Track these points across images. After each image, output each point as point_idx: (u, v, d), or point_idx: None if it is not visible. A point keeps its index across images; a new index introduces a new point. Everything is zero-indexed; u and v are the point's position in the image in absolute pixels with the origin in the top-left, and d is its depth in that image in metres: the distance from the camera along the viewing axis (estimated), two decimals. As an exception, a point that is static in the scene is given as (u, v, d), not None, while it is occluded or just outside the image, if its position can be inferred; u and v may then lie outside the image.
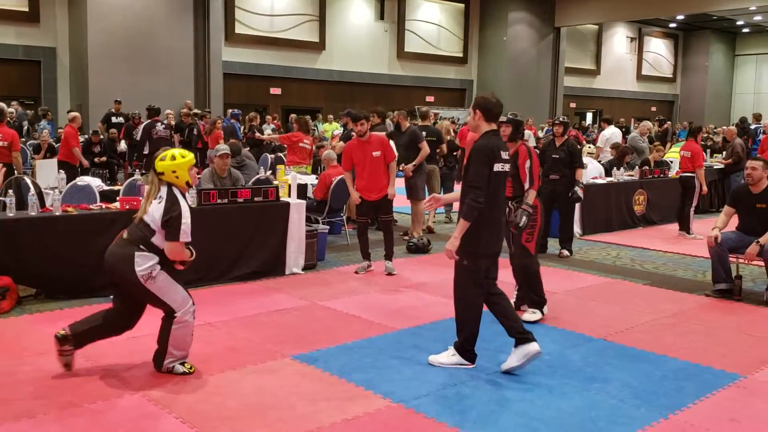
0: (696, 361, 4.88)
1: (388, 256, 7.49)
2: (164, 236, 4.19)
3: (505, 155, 4.52)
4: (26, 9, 17.86)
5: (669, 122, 20.62)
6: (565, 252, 8.46)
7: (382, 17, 24.51)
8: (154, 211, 4.21)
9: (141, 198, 6.35)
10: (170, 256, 4.21)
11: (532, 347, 4.48)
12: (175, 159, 4.24)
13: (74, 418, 3.76)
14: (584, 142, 16.53)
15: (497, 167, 4.43)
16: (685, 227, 10.07)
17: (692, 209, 10.05)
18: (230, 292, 6.49)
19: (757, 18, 29.62)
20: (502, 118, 5.57)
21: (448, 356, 4.65)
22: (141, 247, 4.19)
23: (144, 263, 4.17)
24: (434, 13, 25.88)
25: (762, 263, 6.47)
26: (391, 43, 24.87)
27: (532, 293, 5.84)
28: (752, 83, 34.53)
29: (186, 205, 4.26)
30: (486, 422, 3.83)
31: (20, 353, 4.70)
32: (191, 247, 4.34)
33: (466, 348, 4.65)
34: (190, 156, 4.31)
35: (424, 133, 9.45)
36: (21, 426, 3.64)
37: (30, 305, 5.75)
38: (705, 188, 10.03)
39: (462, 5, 26.47)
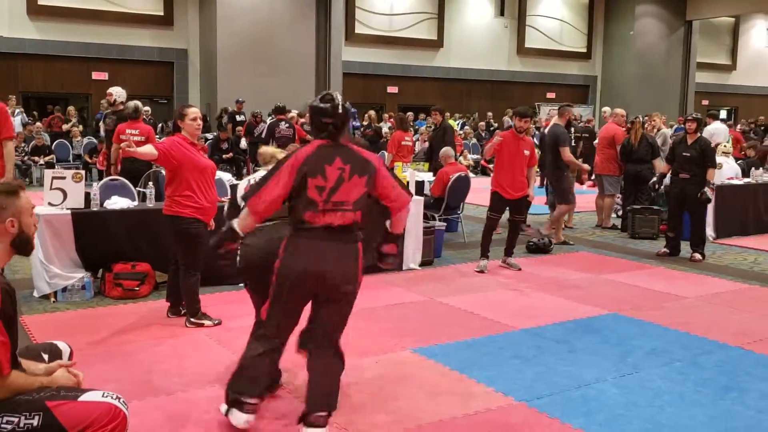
0: None
1: (510, 252, 7.49)
2: None
3: None
4: (161, 13, 19.01)
5: None
6: (697, 255, 8.01)
7: (502, 13, 24.18)
8: None
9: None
10: None
11: None
12: None
13: (208, 396, 3.96)
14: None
15: None
16: None
17: None
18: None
19: None
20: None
21: None
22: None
23: None
24: (556, 8, 25.24)
25: None
26: (510, 39, 24.49)
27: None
28: None
29: None
30: (613, 426, 3.70)
31: (157, 335, 5.00)
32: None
33: None
34: None
35: (572, 129, 10.29)
36: (159, 401, 3.89)
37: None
38: None
39: (586, -1, 25.70)
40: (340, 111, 3.37)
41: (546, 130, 9.71)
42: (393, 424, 3.67)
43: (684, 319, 5.66)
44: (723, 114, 26.00)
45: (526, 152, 7.20)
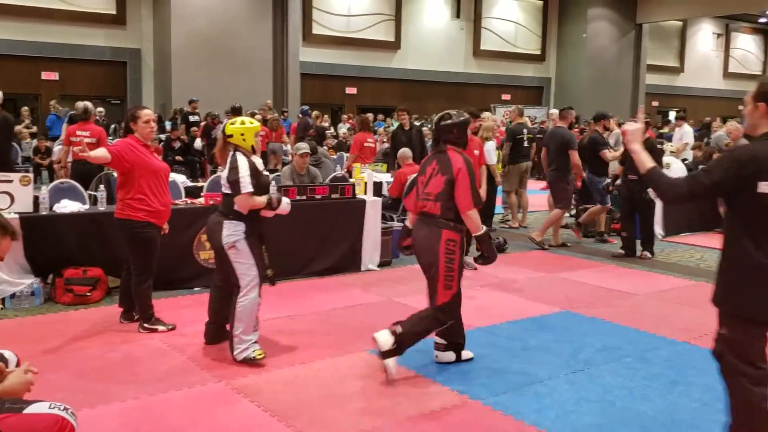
0: (788, 369, 4.66)
1: (466, 251, 7.53)
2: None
3: None
4: (114, 12, 18.66)
5: None
6: (647, 253, 8.22)
7: (458, 15, 24.40)
8: (223, 177, 4.56)
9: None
10: (241, 209, 4.47)
11: None
12: (244, 124, 4.61)
13: (162, 403, 3.92)
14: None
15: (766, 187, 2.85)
16: None
17: None
18: (308, 287, 6.62)
19: None
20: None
21: None
22: (229, 215, 4.49)
23: (229, 231, 4.46)
24: (512, 11, 25.58)
25: None
26: (467, 42, 24.72)
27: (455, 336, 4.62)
28: None
29: (246, 162, 4.50)
30: (564, 421, 3.78)
31: (110, 341, 4.92)
32: (273, 196, 4.64)
33: None
34: (257, 124, 4.68)
35: (525, 130, 10.11)
36: (111, 409, 3.83)
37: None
38: None
39: (540, 2, 26.06)
40: (434, 127, 4.51)
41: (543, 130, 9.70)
42: (350, 425, 3.69)
43: (633, 315, 5.81)
44: (672, 115, 26.63)
45: (476, 152, 7.33)
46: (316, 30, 21.54)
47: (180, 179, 8.27)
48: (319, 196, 7.03)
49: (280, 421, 3.72)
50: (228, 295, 4.62)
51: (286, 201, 4.75)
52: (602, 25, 25.47)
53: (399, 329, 4.23)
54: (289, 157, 11.14)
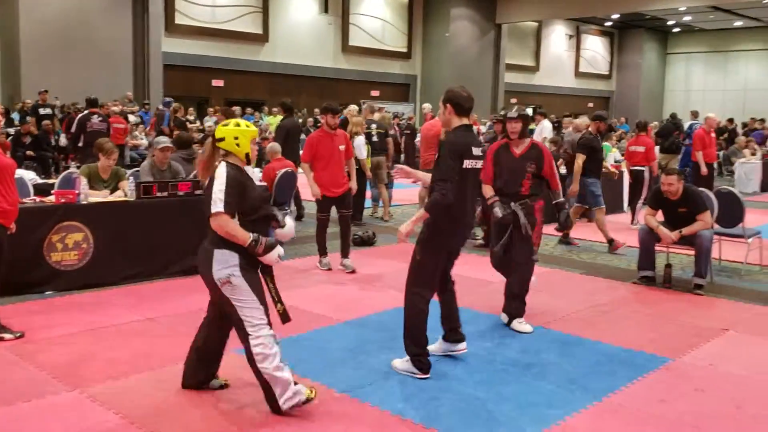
0: (628, 346, 5.07)
1: (346, 253, 7.36)
2: None
3: (477, 151, 4.32)
4: (-48, -4, 17.17)
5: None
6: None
7: (326, 10, 24.41)
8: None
9: (76, 191, 6.23)
10: (220, 234, 3.63)
11: (460, 347, 4.69)
12: (240, 126, 3.81)
13: (8, 416, 3.67)
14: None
15: (468, 164, 4.25)
16: (634, 217, 10.59)
17: (641, 201, 10.44)
18: (171, 287, 6.41)
19: (687, 18, 30.78)
20: (513, 114, 5.59)
21: (403, 361, 4.46)
22: (219, 243, 3.66)
23: (220, 263, 3.66)
24: (378, 8, 25.93)
25: (692, 251, 6.77)
26: (335, 37, 24.80)
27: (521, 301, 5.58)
28: (682, 81, 35.86)
29: (225, 172, 3.65)
30: (428, 408, 3.91)
31: (-50, 351, 4.54)
32: (264, 240, 3.67)
33: (415, 354, 4.37)
34: (255, 128, 3.89)
35: (374, 126, 10.38)
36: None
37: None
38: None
39: (405, 0, 26.61)
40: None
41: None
42: (211, 429, 3.63)
43: (492, 302, 6.06)
44: (529, 112, 28.13)
45: (341, 147, 7.28)
46: (180, 20, 20.81)
47: (29, 176, 7.74)
48: (182, 193, 6.81)
49: (139, 428, 3.58)
50: (216, 331, 4.02)
51: (279, 251, 3.74)
52: (464, 24, 26.40)
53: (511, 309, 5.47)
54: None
